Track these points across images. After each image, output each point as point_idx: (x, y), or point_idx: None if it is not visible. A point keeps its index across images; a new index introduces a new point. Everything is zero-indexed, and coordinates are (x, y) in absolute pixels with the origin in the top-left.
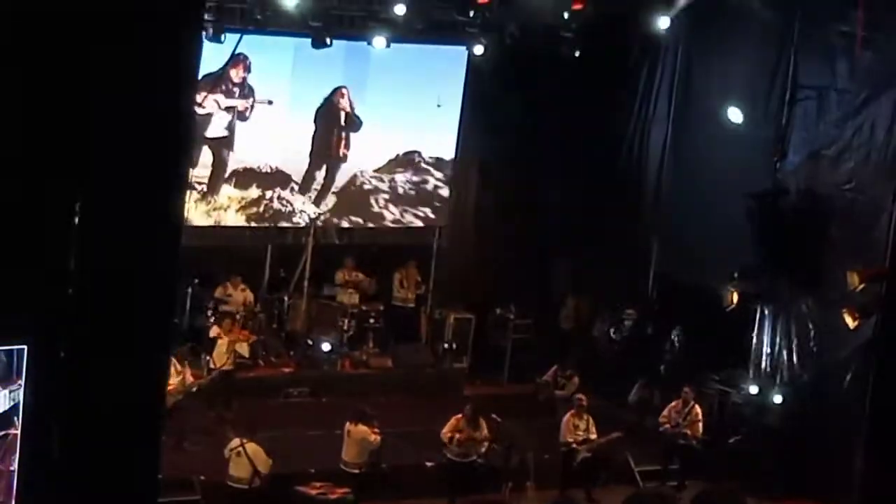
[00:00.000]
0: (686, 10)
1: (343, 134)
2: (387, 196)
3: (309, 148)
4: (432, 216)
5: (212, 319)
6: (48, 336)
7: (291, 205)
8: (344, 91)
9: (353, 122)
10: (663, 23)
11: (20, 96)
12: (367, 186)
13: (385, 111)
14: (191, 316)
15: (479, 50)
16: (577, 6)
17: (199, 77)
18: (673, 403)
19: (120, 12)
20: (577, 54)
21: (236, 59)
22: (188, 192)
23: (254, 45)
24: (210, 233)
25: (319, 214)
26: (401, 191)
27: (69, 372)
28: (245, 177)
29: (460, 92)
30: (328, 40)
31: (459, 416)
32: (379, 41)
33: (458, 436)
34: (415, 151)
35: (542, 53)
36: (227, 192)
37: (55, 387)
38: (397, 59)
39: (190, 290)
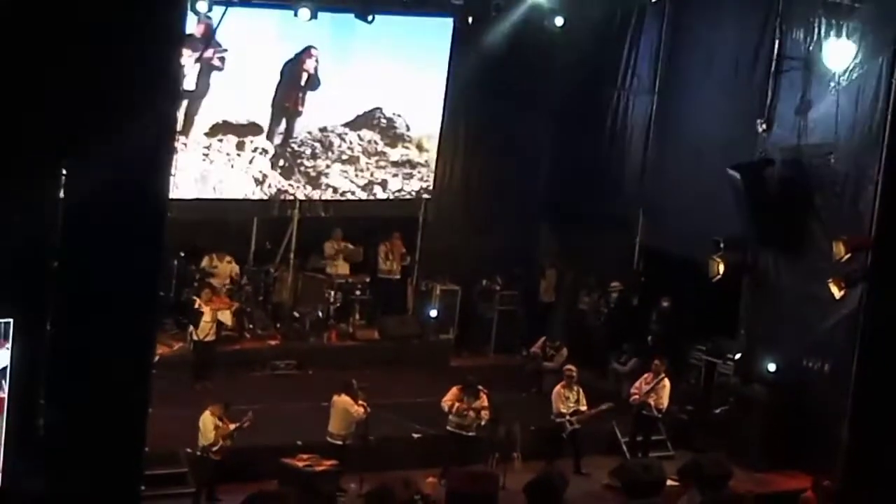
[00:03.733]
0: None
1: (300, 94)
2: (372, 167)
3: (272, 97)
4: (418, 188)
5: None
6: (34, 309)
7: (267, 152)
8: (313, 52)
9: (313, 83)
10: None
11: (2, 65)
12: (353, 158)
13: (371, 83)
14: (177, 289)
15: (465, 21)
16: None
17: None
18: (645, 375)
19: None
20: (561, 25)
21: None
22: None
23: (239, 17)
24: (196, 206)
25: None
26: (386, 162)
27: (55, 345)
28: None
29: (446, 63)
30: (314, 13)
31: (460, 386)
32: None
33: (458, 405)
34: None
35: (527, 24)
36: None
37: (41, 361)
38: (383, 31)
39: (176, 263)
